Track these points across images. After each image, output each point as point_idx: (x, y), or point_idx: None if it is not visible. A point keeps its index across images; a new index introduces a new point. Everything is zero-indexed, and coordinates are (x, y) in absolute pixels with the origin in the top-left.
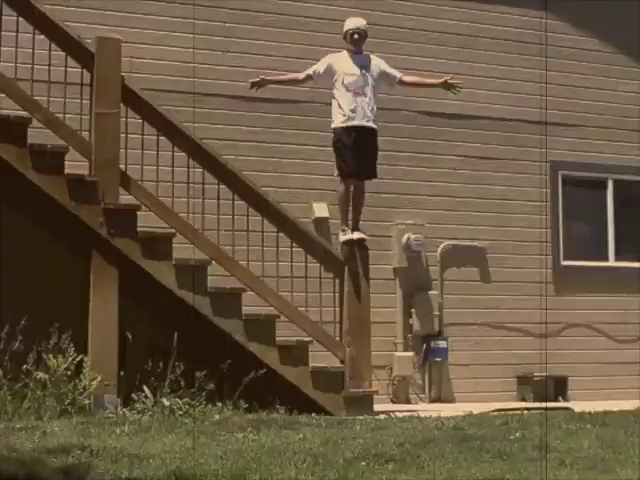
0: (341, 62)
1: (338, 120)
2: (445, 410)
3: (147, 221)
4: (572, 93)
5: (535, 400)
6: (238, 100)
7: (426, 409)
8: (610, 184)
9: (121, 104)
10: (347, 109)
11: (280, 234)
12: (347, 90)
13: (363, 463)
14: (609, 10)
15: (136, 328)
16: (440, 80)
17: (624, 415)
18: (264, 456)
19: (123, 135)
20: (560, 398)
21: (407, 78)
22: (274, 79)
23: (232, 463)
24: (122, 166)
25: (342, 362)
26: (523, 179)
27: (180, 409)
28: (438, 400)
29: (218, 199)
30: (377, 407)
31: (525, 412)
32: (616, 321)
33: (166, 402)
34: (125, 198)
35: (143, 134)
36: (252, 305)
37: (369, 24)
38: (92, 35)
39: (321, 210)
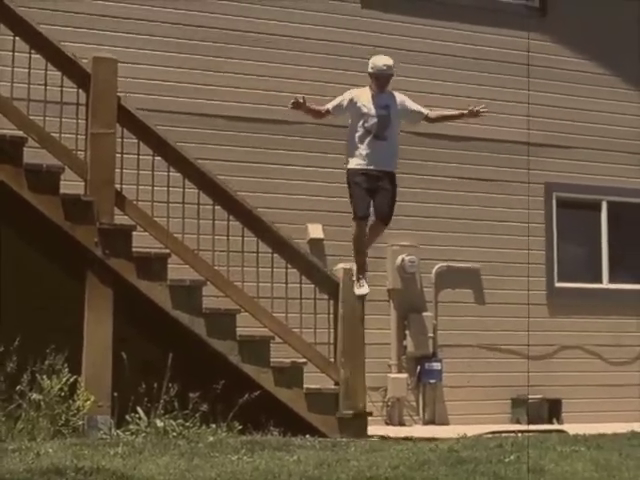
0: (364, 101)
1: (354, 162)
2: (439, 432)
3: (142, 241)
4: (567, 115)
5: (529, 422)
6: (233, 121)
7: (420, 431)
8: (604, 206)
9: (117, 124)
10: (365, 153)
11: (275, 255)
12: (368, 132)
13: None
14: (604, 31)
15: (130, 349)
16: (466, 110)
17: (618, 438)
18: (258, 478)
19: (118, 155)
20: (554, 420)
21: (433, 114)
22: (307, 106)
23: None
24: (117, 186)
25: (336, 384)
26: (517, 200)
27: (174, 430)
28: (432, 422)
29: (213, 220)
30: (371, 429)
31: (519, 434)
32: (610, 343)
33: (160, 423)
34: (120, 218)
35: (139, 154)
36: (246, 326)
37: (359, 44)
38: (87, 55)
39: (316, 231)
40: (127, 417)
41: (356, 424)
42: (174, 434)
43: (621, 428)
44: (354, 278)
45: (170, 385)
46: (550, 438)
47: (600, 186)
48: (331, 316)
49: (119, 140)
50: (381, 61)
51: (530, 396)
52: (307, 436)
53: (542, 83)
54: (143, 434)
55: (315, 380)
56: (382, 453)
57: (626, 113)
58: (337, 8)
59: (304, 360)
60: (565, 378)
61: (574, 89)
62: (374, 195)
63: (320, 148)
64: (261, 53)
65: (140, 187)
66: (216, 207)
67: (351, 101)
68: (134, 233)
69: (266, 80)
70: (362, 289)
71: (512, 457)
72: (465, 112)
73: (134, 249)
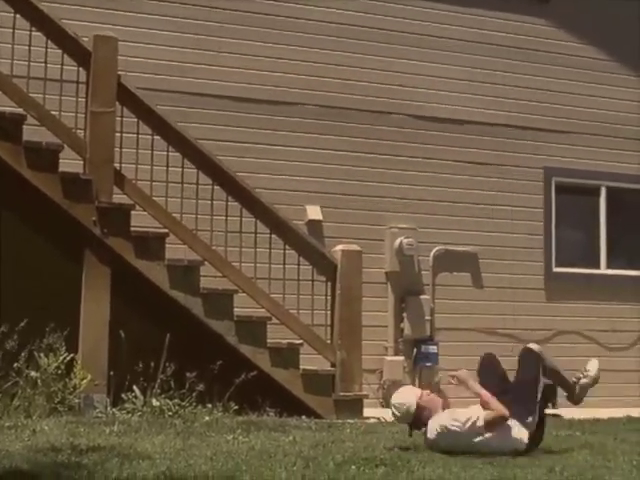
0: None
1: None
2: None
3: (140, 221)
4: (567, 100)
5: None
6: (233, 101)
7: None
8: (603, 191)
9: (117, 103)
10: None
11: (273, 236)
12: None
13: (353, 467)
14: (605, 17)
15: (127, 327)
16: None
17: (614, 422)
18: (254, 458)
19: (118, 134)
20: (550, 405)
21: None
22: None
23: (222, 464)
24: (117, 165)
25: (333, 365)
26: (516, 185)
27: (170, 410)
28: None
29: (212, 200)
30: (367, 411)
31: None
32: (607, 329)
33: (156, 402)
34: (119, 197)
35: (138, 133)
36: (244, 307)
37: (360, 26)
38: (87, 33)
39: (314, 213)
40: (123, 396)
41: (352, 406)
42: (170, 413)
43: (617, 413)
44: None
45: (167, 365)
46: (546, 422)
47: (599, 171)
48: (328, 298)
49: (119, 119)
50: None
51: None
52: (303, 417)
53: (543, 68)
54: (139, 413)
55: (312, 361)
56: (377, 435)
57: (626, 99)
58: None
59: (301, 341)
60: (561, 363)
61: (575, 74)
62: None
63: (320, 129)
64: (263, 34)
65: (139, 166)
66: (215, 187)
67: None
68: (132, 212)
69: (268, 61)
70: None
71: None
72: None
73: (132, 228)
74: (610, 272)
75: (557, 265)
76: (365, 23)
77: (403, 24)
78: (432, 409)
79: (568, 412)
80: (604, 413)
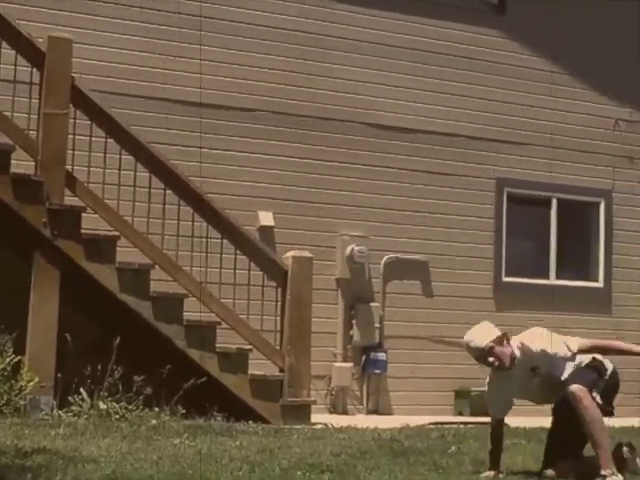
0: (506, 386)
1: None
2: (382, 422)
3: (92, 223)
4: (521, 111)
5: (472, 414)
6: (187, 105)
7: (363, 420)
8: (554, 203)
9: (70, 105)
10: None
11: (224, 241)
12: (543, 403)
13: (299, 472)
14: (560, 30)
15: (76, 330)
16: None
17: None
18: (200, 462)
19: (71, 136)
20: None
21: (588, 346)
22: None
23: (168, 468)
24: (69, 167)
25: (281, 371)
26: (468, 195)
27: (117, 413)
28: (375, 412)
29: (164, 204)
30: (314, 417)
31: (461, 426)
32: None
33: (103, 405)
34: (70, 199)
35: (91, 136)
36: (194, 311)
37: (314, 34)
38: (42, 34)
39: (266, 218)
40: (70, 398)
41: (299, 411)
42: (117, 416)
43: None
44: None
45: (115, 368)
46: None
47: (551, 183)
48: (278, 303)
49: (72, 121)
50: (471, 350)
51: (473, 388)
52: (250, 422)
53: (498, 79)
54: (85, 416)
55: (260, 367)
56: (324, 441)
57: (578, 112)
58: None
59: (250, 346)
60: None
61: (529, 86)
62: None
63: (274, 136)
64: (219, 39)
65: (91, 169)
66: (167, 191)
67: (499, 393)
68: (84, 215)
69: (223, 66)
70: None
71: (453, 448)
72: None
73: (83, 231)
74: (558, 283)
75: (507, 275)
76: (322, 31)
77: (359, 33)
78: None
79: (514, 421)
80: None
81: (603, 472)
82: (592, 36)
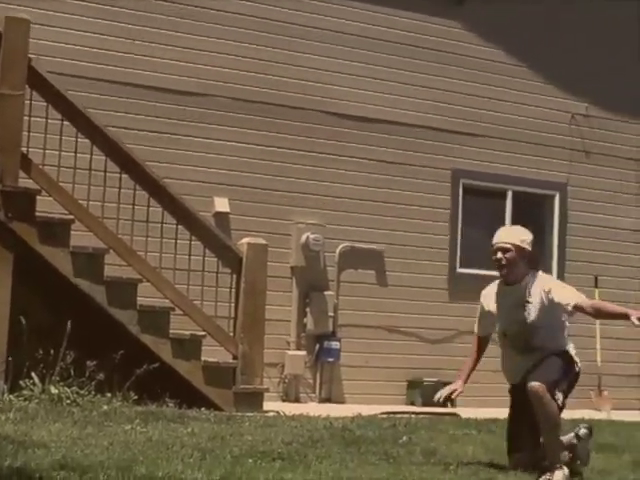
0: (492, 303)
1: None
2: (334, 411)
3: (46, 206)
4: (478, 103)
5: (424, 405)
6: (146, 90)
7: (316, 409)
8: (510, 195)
9: (26, 86)
10: (506, 367)
11: (179, 226)
12: (505, 346)
13: (250, 460)
14: (517, 23)
15: (29, 314)
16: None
17: (503, 423)
18: (151, 449)
19: (26, 118)
20: (448, 404)
21: (586, 305)
22: (462, 380)
23: (119, 454)
24: (24, 149)
25: (234, 358)
26: (425, 185)
27: (68, 398)
28: (328, 400)
29: (120, 188)
30: (267, 405)
31: (413, 416)
32: None
33: (54, 390)
34: (25, 182)
35: (47, 118)
36: (148, 296)
37: (277, 21)
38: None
39: (222, 205)
40: (21, 383)
41: (252, 399)
42: (68, 401)
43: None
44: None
45: (67, 352)
46: (443, 421)
47: (506, 175)
48: (233, 290)
49: (27, 102)
50: (498, 234)
51: (425, 379)
52: (202, 409)
53: (456, 70)
54: (37, 400)
55: (214, 353)
56: (276, 429)
57: (535, 105)
58: None
59: (203, 333)
60: (461, 363)
61: (486, 78)
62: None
63: (232, 122)
64: (178, 23)
65: (47, 151)
66: (123, 175)
67: (484, 312)
68: (38, 197)
69: (180, 51)
70: None
71: (405, 438)
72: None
73: (38, 213)
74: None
75: (461, 266)
76: (281, 18)
77: (319, 20)
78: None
79: (466, 412)
80: (500, 413)
81: (548, 477)
82: (549, 29)
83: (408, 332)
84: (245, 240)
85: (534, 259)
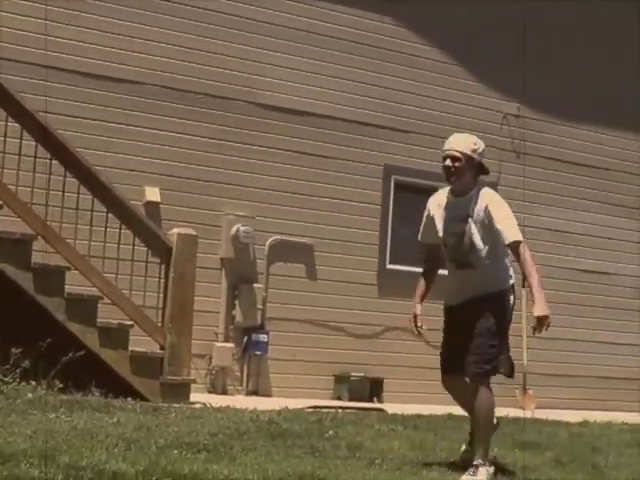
0: (439, 214)
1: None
2: (261, 403)
3: None
4: (410, 100)
5: (350, 399)
6: (78, 75)
7: (243, 401)
8: None
9: None
10: (448, 285)
11: (109, 215)
12: (448, 259)
13: (175, 451)
14: (454, 21)
15: None
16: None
17: (435, 419)
18: (75, 438)
19: None
20: (375, 399)
21: (521, 251)
22: (418, 303)
23: (42, 443)
24: None
25: (162, 348)
26: (356, 180)
27: None
28: (255, 393)
29: (49, 174)
30: (194, 396)
31: (340, 411)
32: (434, 327)
33: None
34: None
35: None
36: (76, 284)
37: (212, 10)
38: None
39: (153, 194)
40: None
41: (179, 390)
42: None
43: (438, 410)
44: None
45: None
46: (369, 416)
47: (437, 172)
48: (162, 280)
49: None
50: (449, 140)
51: (352, 374)
52: (129, 399)
53: (390, 66)
54: None
55: (141, 344)
56: (202, 420)
57: (467, 104)
58: None
59: (131, 322)
60: (388, 358)
61: (419, 75)
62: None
63: (164, 111)
64: (114, 10)
65: None
66: (53, 161)
67: (428, 220)
68: None
69: (114, 38)
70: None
71: (331, 432)
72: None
73: None
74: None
75: (391, 262)
76: (218, 8)
77: (251, 11)
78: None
79: (392, 407)
80: (426, 409)
81: (475, 462)
82: (481, 31)
83: (336, 327)
84: (175, 230)
85: (484, 170)
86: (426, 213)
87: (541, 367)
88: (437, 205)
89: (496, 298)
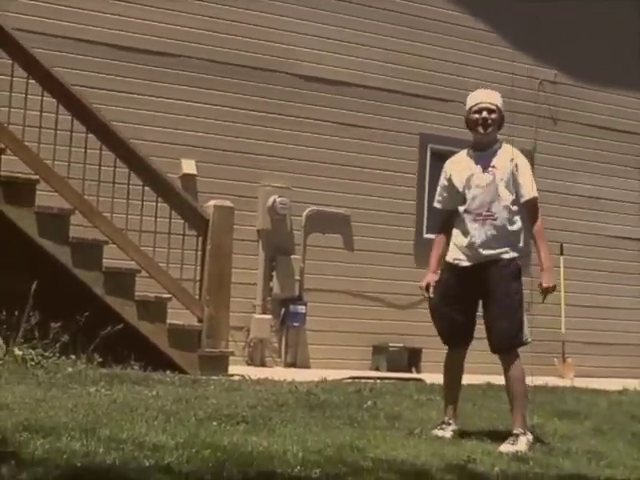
0: (459, 171)
1: (450, 254)
2: (299, 375)
3: (11, 165)
4: (446, 68)
5: (389, 370)
6: (114, 49)
7: (281, 373)
8: None
9: None
10: (462, 243)
11: (146, 188)
12: (467, 212)
13: (214, 423)
14: None
15: None
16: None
17: (474, 389)
18: (115, 411)
19: None
20: (413, 369)
21: (538, 208)
22: (433, 272)
23: (83, 416)
24: None
25: (200, 321)
26: (392, 150)
27: (32, 360)
28: (293, 365)
29: (86, 148)
30: (232, 368)
31: (378, 381)
32: None
33: (18, 352)
34: None
35: (12, 76)
36: (113, 258)
37: None
38: None
39: (189, 167)
40: None
41: (217, 362)
42: (32, 363)
43: (477, 379)
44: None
45: (31, 314)
46: (407, 386)
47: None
48: (199, 253)
49: None
50: (479, 96)
51: (390, 344)
52: (167, 372)
53: (425, 34)
54: (0, 362)
55: (179, 316)
56: (241, 392)
57: (502, 71)
58: None
59: (169, 295)
60: (426, 328)
61: (455, 43)
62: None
63: (200, 83)
64: None
65: (12, 110)
66: (89, 135)
67: (448, 181)
68: (3, 157)
69: (153, 11)
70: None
71: (369, 403)
72: (541, 266)
73: (2, 173)
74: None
75: (428, 232)
76: None
77: None
78: None
79: (430, 377)
80: (465, 379)
81: (515, 431)
82: None
83: (374, 297)
84: (212, 202)
85: (501, 125)
86: (443, 176)
87: (580, 335)
88: (456, 164)
89: (514, 265)
